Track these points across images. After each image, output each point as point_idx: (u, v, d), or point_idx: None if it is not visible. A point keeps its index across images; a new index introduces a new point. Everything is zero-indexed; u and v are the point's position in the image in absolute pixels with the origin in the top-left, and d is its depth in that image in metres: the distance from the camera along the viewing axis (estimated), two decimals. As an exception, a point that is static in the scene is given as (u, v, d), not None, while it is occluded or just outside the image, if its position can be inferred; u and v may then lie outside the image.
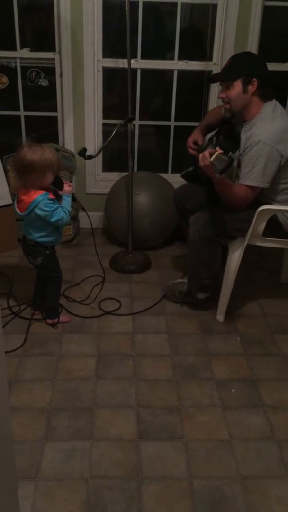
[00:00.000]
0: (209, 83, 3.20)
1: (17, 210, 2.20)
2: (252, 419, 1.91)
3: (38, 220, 2.18)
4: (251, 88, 2.23)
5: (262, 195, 2.30)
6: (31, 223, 2.22)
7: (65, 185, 2.23)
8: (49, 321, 2.43)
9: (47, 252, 2.30)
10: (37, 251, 2.29)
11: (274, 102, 2.30)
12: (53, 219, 2.16)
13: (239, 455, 1.75)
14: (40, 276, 2.44)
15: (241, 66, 2.25)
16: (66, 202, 2.22)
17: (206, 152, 2.05)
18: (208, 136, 2.70)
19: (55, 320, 2.43)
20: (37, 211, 2.13)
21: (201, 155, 2.09)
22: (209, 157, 2.02)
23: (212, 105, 3.22)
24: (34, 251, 2.30)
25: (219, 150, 2.02)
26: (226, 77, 2.30)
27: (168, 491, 1.61)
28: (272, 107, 2.27)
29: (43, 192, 2.14)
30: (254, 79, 2.22)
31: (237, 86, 2.24)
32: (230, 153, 2.03)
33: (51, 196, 2.16)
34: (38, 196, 2.12)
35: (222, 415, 1.93)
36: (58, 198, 2.21)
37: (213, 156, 2.01)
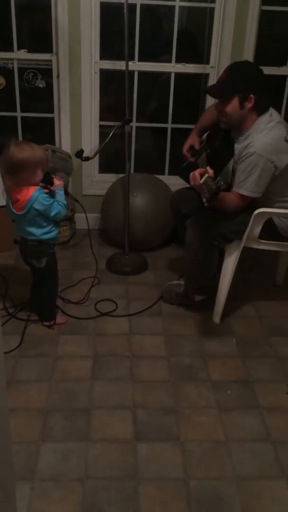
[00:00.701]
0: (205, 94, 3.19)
1: (14, 210, 2.17)
2: (247, 420, 1.92)
3: (38, 216, 2.16)
4: (248, 104, 2.21)
5: (257, 202, 2.31)
6: (33, 222, 2.18)
7: (55, 179, 2.22)
8: (46, 323, 2.43)
9: (51, 251, 2.30)
10: (42, 251, 2.27)
11: (270, 111, 2.28)
12: (52, 213, 2.16)
13: (235, 456, 1.76)
14: (38, 278, 2.41)
15: (237, 82, 2.20)
16: (60, 195, 2.23)
17: (197, 173, 2.04)
18: (204, 135, 2.71)
19: (52, 322, 2.43)
20: (37, 206, 2.12)
21: (191, 174, 2.08)
22: (199, 177, 2.02)
23: (208, 108, 3.23)
24: (39, 251, 2.27)
25: (209, 171, 2.00)
26: (221, 93, 2.27)
27: (164, 491, 1.61)
28: (268, 117, 2.26)
29: (37, 187, 2.13)
30: (251, 95, 2.19)
31: (234, 102, 2.21)
32: (219, 178, 1.99)
33: (46, 190, 2.16)
34: (34, 192, 2.11)
35: (218, 416, 1.94)
36: (52, 194, 2.21)
37: (202, 179, 1.99)
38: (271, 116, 2.27)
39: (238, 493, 1.62)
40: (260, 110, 2.25)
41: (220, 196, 2.13)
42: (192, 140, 2.65)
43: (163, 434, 1.84)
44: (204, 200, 1.98)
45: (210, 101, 3.26)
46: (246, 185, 2.21)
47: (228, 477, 1.68)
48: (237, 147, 2.33)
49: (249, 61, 2.38)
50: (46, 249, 2.27)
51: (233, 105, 2.22)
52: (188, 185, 2.66)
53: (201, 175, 2.01)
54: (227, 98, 2.23)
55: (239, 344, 2.38)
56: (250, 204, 2.29)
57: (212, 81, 3.22)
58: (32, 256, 2.29)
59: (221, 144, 2.47)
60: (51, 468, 1.68)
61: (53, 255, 2.33)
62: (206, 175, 1.99)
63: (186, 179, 2.61)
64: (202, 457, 1.75)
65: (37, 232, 2.21)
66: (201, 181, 1.99)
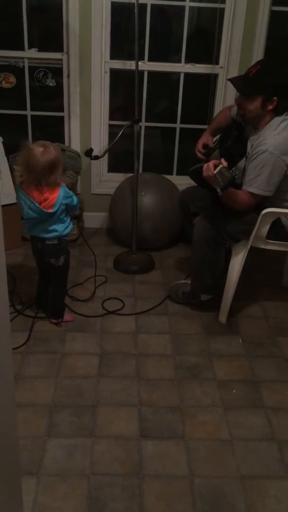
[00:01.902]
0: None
1: (44, 210, 2.16)
2: (253, 419, 1.93)
3: (63, 212, 2.23)
4: (269, 106, 2.22)
5: (267, 202, 2.31)
6: (58, 218, 2.23)
7: None
8: (53, 320, 2.45)
9: (68, 248, 2.35)
10: (61, 249, 2.32)
11: (286, 112, 2.28)
12: (75, 202, 2.26)
13: (239, 455, 1.77)
14: (52, 277, 2.42)
15: (266, 83, 2.19)
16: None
17: (211, 163, 2.05)
18: (216, 137, 2.72)
19: (59, 320, 2.45)
20: (64, 200, 2.19)
21: (205, 165, 2.09)
22: (213, 168, 2.02)
23: (218, 108, 3.24)
24: (58, 250, 2.31)
25: (223, 163, 2.01)
26: (248, 90, 2.24)
27: (169, 489, 1.63)
28: (282, 116, 2.26)
29: (62, 184, 2.23)
30: (275, 98, 2.19)
31: (257, 101, 2.21)
32: (233, 168, 2.01)
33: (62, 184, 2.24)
34: (60, 189, 2.19)
35: (223, 415, 1.94)
36: None
37: (217, 169, 2.00)
38: (286, 116, 2.27)
39: (243, 491, 1.63)
40: (278, 111, 2.26)
41: (232, 191, 2.14)
42: (206, 139, 2.66)
43: (168, 432, 1.85)
44: (218, 190, 2.00)
45: (219, 102, 3.26)
46: (257, 183, 2.22)
47: (233, 476, 1.69)
48: (249, 145, 2.34)
49: (279, 60, 2.33)
50: (64, 247, 2.33)
51: (256, 104, 2.22)
52: (196, 185, 2.69)
53: (215, 166, 2.02)
54: (251, 96, 2.22)
55: (245, 344, 2.39)
56: (260, 204, 2.29)
57: (221, 81, 3.22)
58: (51, 256, 2.32)
59: (234, 144, 2.48)
60: (57, 463, 1.70)
61: (69, 252, 2.38)
62: (221, 165, 2.00)
63: (196, 179, 2.62)
64: (207, 455, 1.76)
65: (60, 228, 2.26)
66: (216, 171, 2.00)
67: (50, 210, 2.17)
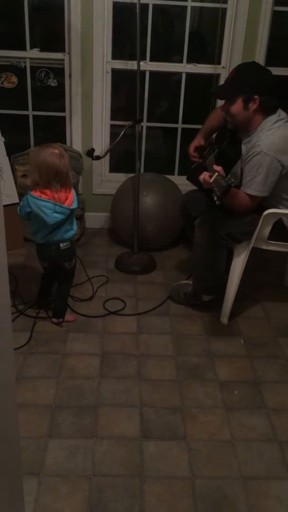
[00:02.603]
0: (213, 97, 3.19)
1: (68, 207, 2.21)
2: (254, 420, 1.93)
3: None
4: (253, 105, 2.20)
5: (266, 202, 2.31)
6: (71, 219, 2.28)
7: None
8: (54, 320, 2.45)
9: (75, 249, 2.39)
10: (73, 251, 2.35)
11: (278, 111, 2.27)
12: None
13: (241, 456, 1.77)
14: (61, 278, 2.44)
15: (242, 83, 2.20)
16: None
17: (207, 176, 2.06)
18: (213, 136, 2.71)
19: (61, 320, 2.45)
20: (76, 199, 2.26)
21: (201, 178, 2.10)
22: (209, 179, 2.03)
23: (219, 108, 3.23)
24: (71, 252, 2.34)
25: (218, 170, 2.01)
26: (225, 94, 2.28)
27: (170, 490, 1.62)
28: (275, 116, 2.25)
29: None
30: (256, 97, 2.18)
31: (238, 103, 2.21)
32: (229, 176, 2.01)
33: None
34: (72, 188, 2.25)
35: (224, 416, 1.94)
36: None
37: (213, 178, 2.01)
38: (279, 116, 2.26)
39: (244, 492, 1.63)
40: (266, 111, 2.24)
41: (232, 193, 2.13)
42: (198, 141, 2.66)
43: (169, 432, 1.85)
44: (215, 198, 1.99)
45: (221, 102, 3.25)
46: (254, 184, 2.21)
47: (234, 477, 1.68)
48: (244, 147, 2.33)
49: (256, 63, 2.35)
50: (75, 248, 2.37)
51: (237, 106, 2.22)
52: (197, 188, 2.68)
53: (210, 176, 2.02)
54: (231, 98, 2.23)
55: (247, 345, 2.39)
56: (260, 205, 2.29)
57: (223, 81, 3.22)
58: (65, 260, 2.34)
59: (229, 145, 2.47)
60: (58, 464, 1.69)
61: (76, 253, 2.42)
62: (216, 173, 2.00)
63: (195, 182, 2.61)
64: (208, 456, 1.76)
65: (74, 226, 2.32)
66: (211, 180, 2.01)
67: (72, 207, 2.22)
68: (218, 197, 1.97)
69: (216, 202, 2.00)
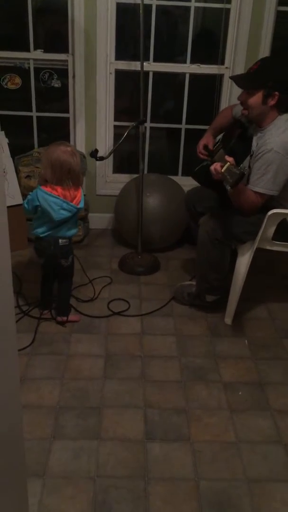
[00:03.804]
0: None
1: (76, 205, 2.25)
2: (259, 422, 1.92)
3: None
4: (271, 101, 2.20)
5: (273, 201, 2.30)
6: (75, 218, 2.32)
7: None
8: (59, 318, 2.45)
9: (72, 248, 2.42)
10: (70, 249, 2.38)
11: None
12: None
13: (245, 457, 1.76)
14: (61, 277, 2.45)
15: (266, 77, 2.19)
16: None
17: (218, 166, 2.05)
18: (219, 137, 2.71)
19: (65, 318, 2.45)
20: (83, 199, 2.30)
21: (212, 168, 2.09)
22: (220, 168, 2.03)
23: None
24: (68, 250, 2.37)
25: (230, 160, 2.01)
26: (247, 84, 2.26)
27: (174, 491, 1.62)
28: (287, 116, 2.26)
29: None
30: (276, 93, 2.18)
31: (258, 96, 2.21)
32: (242, 165, 2.01)
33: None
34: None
35: (229, 417, 1.93)
36: None
37: (224, 167, 2.00)
38: None
39: (248, 494, 1.62)
40: (282, 109, 2.24)
41: (240, 187, 2.13)
42: (207, 140, 2.65)
43: (173, 434, 1.85)
44: (228, 187, 2.00)
45: (225, 102, 3.26)
46: (262, 182, 2.21)
47: (239, 479, 1.68)
48: (254, 143, 2.32)
49: (284, 57, 2.34)
50: (72, 247, 2.40)
51: (256, 99, 2.22)
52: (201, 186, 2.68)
53: (222, 166, 2.02)
54: (252, 90, 2.22)
55: (251, 346, 2.38)
56: (265, 204, 2.28)
57: (227, 82, 3.21)
58: (62, 256, 2.36)
59: (238, 142, 2.46)
60: (62, 465, 1.69)
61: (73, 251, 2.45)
62: (228, 163, 2.00)
63: (200, 180, 2.61)
64: (213, 458, 1.75)
65: (76, 227, 2.38)
66: (223, 169, 2.01)
67: (79, 206, 2.26)
68: (231, 185, 1.98)
69: (229, 189, 2.02)
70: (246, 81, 2.27)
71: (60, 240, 2.30)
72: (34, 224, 2.34)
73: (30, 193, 2.29)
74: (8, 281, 0.96)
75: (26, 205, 2.29)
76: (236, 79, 2.32)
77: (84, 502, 1.57)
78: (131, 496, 1.59)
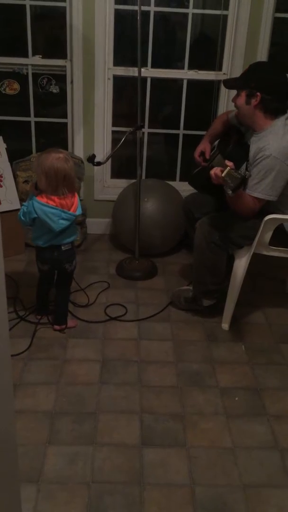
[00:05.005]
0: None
1: (73, 212, 2.21)
2: (255, 427, 1.91)
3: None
4: (254, 102, 2.24)
5: (270, 207, 2.31)
6: (73, 224, 2.29)
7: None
8: (57, 327, 2.44)
9: (75, 251, 2.41)
10: (73, 253, 2.37)
11: (286, 115, 2.29)
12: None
13: (241, 463, 1.75)
14: (63, 282, 2.44)
15: (249, 78, 2.27)
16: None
17: (218, 170, 2.06)
18: (216, 142, 2.71)
19: (63, 326, 2.44)
20: (80, 205, 2.27)
21: (212, 173, 2.10)
22: (220, 173, 2.03)
23: (221, 114, 3.23)
24: (72, 254, 2.35)
25: (230, 165, 2.02)
26: (231, 84, 2.39)
27: (170, 497, 1.61)
28: (284, 119, 2.27)
29: None
30: (258, 93, 2.21)
31: (242, 96, 2.28)
32: (241, 169, 2.02)
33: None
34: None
35: (225, 423, 1.93)
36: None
37: (225, 172, 2.01)
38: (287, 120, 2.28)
39: (244, 500, 1.61)
40: (270, 111, 2.26)
41: (240, 192, 2.14)
42: (204, 146, 2.66)
43: (169, 439, 1.84)
44: (229, 191, 2.01)
45: (222, 108, 3.27)
46: (261, 187, 2.21)
47: (235, 484, 1.67)
48: (252, 148, 2.33)
49: (273, 63, 2.43)
50: (75, 250, 2.38)
51: (241, 99, 2.30)
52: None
53: (222, 171, 2.03)
54: (234, 89, 2.35)
55: (248, 351, 2.37)
56: (266, 210, 2.29)
57: (224, 88, 3.21)
58: (66, 261, 2.34)
59: (235, 148, 2.47)
60: (57, 471, 1.68)
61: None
62: (228, 167, 2.01)
63: (197, 186, 2.61)
64: (209, 463, 1.75)
65: (76, 229, 2.38)
66: (224, 174, 2.01)
67: (76, 213, 2.23)
68: (232, 189, 1.99)
69: (230, 194, 2.03)
70: (231, 81, 2.41)
71: (62, 246, 2.29)
72: (33, 235, 2.31)
73: (25, 203, 2.23)
74: (1, 287, 0.96)
75: (22, 218, 2.22)
76: (225, 80, 2.46)
77: (79, 508, 1.56)
78: (127, 502, 1.59)
